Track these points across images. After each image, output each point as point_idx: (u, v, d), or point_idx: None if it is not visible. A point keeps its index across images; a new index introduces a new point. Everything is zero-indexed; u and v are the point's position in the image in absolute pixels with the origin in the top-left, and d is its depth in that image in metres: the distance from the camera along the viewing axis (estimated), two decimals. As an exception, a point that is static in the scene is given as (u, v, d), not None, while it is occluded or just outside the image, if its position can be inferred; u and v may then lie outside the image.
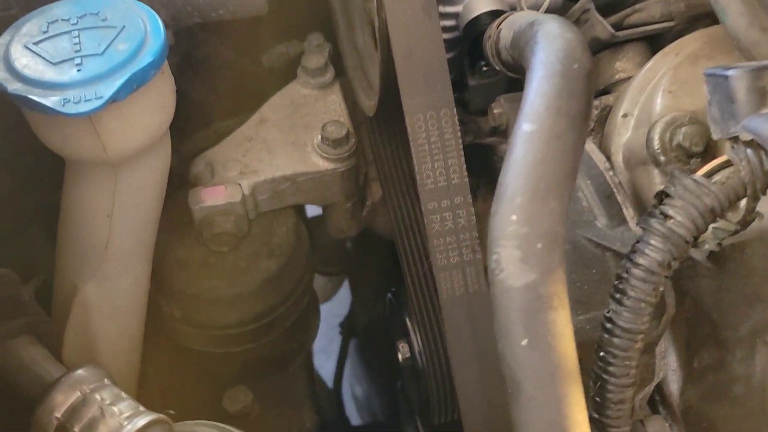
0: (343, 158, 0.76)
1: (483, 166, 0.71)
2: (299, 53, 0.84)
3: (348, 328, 1.42)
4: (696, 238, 0.45)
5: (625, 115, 0.61)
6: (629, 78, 0.64)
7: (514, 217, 0.41)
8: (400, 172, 0.79)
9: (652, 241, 0.44)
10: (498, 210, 0.42)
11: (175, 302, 0.74)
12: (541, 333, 0.40)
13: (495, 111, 0.64)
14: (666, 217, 0.44)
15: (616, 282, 0.46)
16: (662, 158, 0.55)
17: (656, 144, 0.56)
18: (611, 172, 0.58)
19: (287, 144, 0.77)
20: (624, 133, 0.61)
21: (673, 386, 0.56)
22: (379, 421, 1.38)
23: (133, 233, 0.62)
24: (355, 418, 1.42)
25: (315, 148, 0.76)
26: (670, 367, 0.56)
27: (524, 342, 0.41)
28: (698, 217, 0.44)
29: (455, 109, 0.60)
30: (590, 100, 0.44)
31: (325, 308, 1.08)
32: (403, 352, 0.81)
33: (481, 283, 0.62)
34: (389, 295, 0.85)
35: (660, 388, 0.57)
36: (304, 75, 0.82)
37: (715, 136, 0.46)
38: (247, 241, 0.75)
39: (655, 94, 0.59)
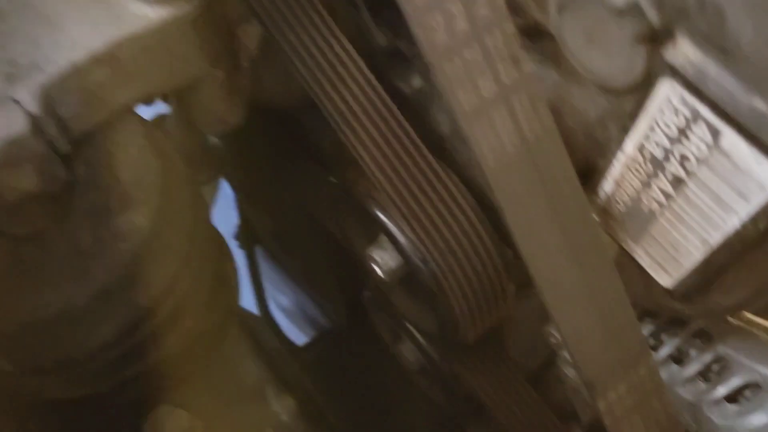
0: (185, -9, 0.40)
1: None
2: None
3: (247, 236, 1.10)
4: None
5: None
6: None
7: None
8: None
9: None
10: None
11: (-7, 348, 0.39)
12: None
13: None
14: None
15: None
16: None
17: None
18: None
19: (73, -2, 0.40)
20: None
21: None
22: (325, 329, 1.11)
23: None
24: (297, 336, 1.15)
25: (128, -11, 0.40)
26: None
27: None
28: None
29: None
30: None
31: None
32: (383, 264, 0.51)
33: (541, 116, 0.32)
34: (331, 189, 0.54)
35: None
36: None
37: None
38: (78, 194, 0.40)
39: None
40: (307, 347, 1.05)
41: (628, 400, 0.38)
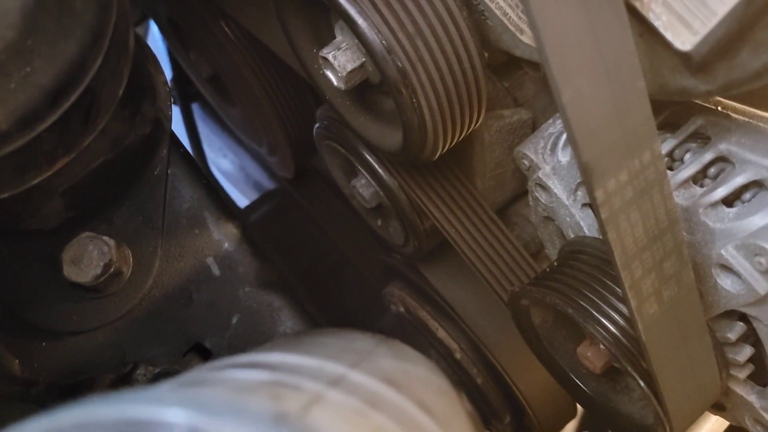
0: None
1: None
2: None
3: (182, 92, 0.99)
4: None
5: None
6: None
7: None
8: None
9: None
10: None
11: None
12: None
13: None
14: None
15: None
16: None
17: None
18: None
19: None
20: None
21: None
22: (268, 189, 1.04)
23: None
24: (240, 198, 1.07)
25: None
26: None
27: None
28: None
29: None
30: None
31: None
32: (339, 66, 0.43)
33: None
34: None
35: None
36: None
37: None
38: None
39: None
40: (250, 209, 0.98)
41: (629, 190, 0.33)
